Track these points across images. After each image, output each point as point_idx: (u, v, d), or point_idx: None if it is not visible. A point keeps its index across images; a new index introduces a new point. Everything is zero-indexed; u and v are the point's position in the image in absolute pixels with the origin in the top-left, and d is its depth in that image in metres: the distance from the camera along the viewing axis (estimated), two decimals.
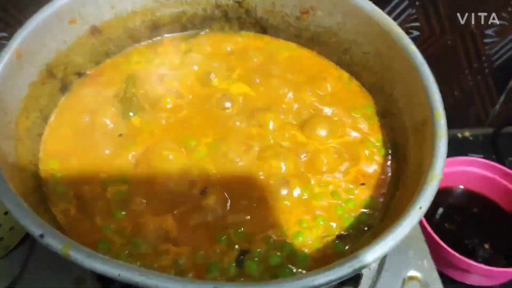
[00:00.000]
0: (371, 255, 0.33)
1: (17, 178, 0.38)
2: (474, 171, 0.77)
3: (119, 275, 0.31)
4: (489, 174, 0.77)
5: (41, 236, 0.32)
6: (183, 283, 0.31)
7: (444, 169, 0.75)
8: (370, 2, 0.50)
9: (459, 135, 0.89)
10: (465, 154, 0.83)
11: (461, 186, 0.78)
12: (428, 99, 0.43)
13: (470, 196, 0.78)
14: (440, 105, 0.43)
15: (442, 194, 0.78)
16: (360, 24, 0.51)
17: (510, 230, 0.74)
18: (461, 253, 0.65)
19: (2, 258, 0.49)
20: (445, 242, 0.66)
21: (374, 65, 0.51)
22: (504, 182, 0.75)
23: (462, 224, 0.74)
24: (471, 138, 0.89)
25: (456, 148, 0.87)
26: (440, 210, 0.76)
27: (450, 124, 0.88)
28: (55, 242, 0.32)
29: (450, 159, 0.76)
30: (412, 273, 0.47)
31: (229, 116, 0.49)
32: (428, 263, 0.47)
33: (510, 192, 0.75)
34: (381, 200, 0.44)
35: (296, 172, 0.45)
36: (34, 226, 0.33)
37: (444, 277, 0.69)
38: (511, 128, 0.89)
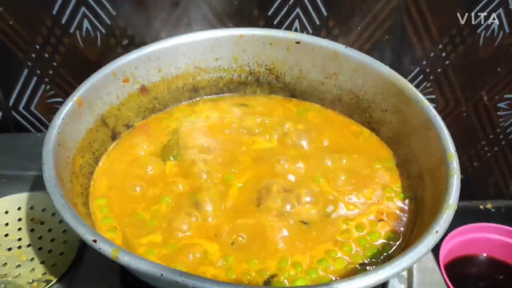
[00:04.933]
0: (391, 269, 0.36)
1: (71, 202, 0.43)
2: (497, 238, 0.78)
3: (161, 274, 0.34)
4: None
5: (94, 241, 0.36)
6: (220, 285, 0.34)
7: (466, 236, 0.78)
8: (386, 66, 0.56)
9: (481, 207, 0.91)
10: None
11: (484, 254, 0.79)
12: (441, 144, 0.48)
13: (494, 264, 0.78)
14: (453, 148, 0.47)
15: (466, 262, 0.79)
16: (378, 85, 0.57)
17: None
18: None
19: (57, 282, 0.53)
20: None
21: (392, 121, 0.56)
22: None
23: None
24: (493, 210, 0.91)
25: (478, 219, 0.88)
26: None
27: (472, 195, 0.91)
28: (106, 246, 0.36)
29: (472, 225, 0.78)
30: None
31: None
32: None
33: None
34: (401, 234, 0.46)
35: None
36: (89, 233, 0.37)
37: None
38: None
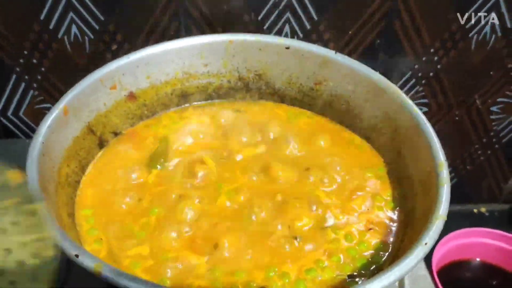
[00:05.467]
0: (379, 283, 0.35)
1: (56, 213, 0.43)
2: (491, 243, 0.78)
3: None
4: (506, 246, 0.77)
5: (76, 256, 0.36)
6: None
7: (460, 241, 0.78)
8: (377, 72, 0.56)
9: (475, 211, 0.91)
10: None
11: (478, 259, 0.79)
12: (432, 153, 0.47)
13: (488, 269, 0.78)
14: (443, 157, 0.46)
15: (459, 267, 0.78)
16: (369, 91, 0.56)
17: None
18: None
19: None
20: None
21: (382, 128, 0.56)
22: None
23: None
24: (487, 214, 0.90)
25: (472, 223, 0.88)
26: None
27: (465, 199, 0.91)
28: (88, 261, 0.35)
29: (466, 230, 0.78)
30: None
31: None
32: None
33: None
34: (390, 244, 0.46)
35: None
36: (71, 248, 0.36)
37: None
38: None
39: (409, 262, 0.37)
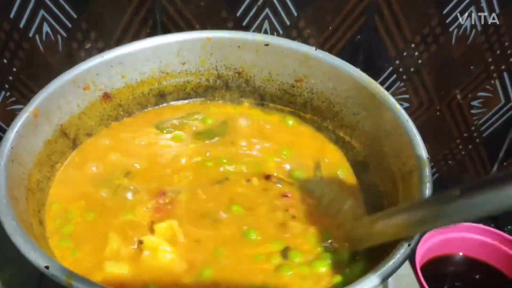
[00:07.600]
0: (365, 285, 0.35)
1: (26, 222, 0.41)
2: (473, 238, 0.78)
3: None
4: (488, 240, 0.77)
5: (47, 267, 0.34)
6: None
7: (442, 236, 0.77)
8: (357, 69, 0.55)
9: None
10: None
11: (461, 253, 0.79)
12: (414, 151, 0.46)
13: (471, 263, 0.78)
14: (425, 155, 0.45)
15: (442, 262, 0.78)
16: (350, 89, 0.55)
17: None
18: None
19: None
20: None
21: (364, 125, 0.55)
22: (504, 248, 0.76)
23: None
24: None
25: None
26: None
27: None
28: (59, 272, 0.34)
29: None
30: None
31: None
32: None
33: (511, 258, 0.75)
34: None
35: None
36: (41, 259, 0.35)
37: None
38: None
39: (393, 264, 0.36)
